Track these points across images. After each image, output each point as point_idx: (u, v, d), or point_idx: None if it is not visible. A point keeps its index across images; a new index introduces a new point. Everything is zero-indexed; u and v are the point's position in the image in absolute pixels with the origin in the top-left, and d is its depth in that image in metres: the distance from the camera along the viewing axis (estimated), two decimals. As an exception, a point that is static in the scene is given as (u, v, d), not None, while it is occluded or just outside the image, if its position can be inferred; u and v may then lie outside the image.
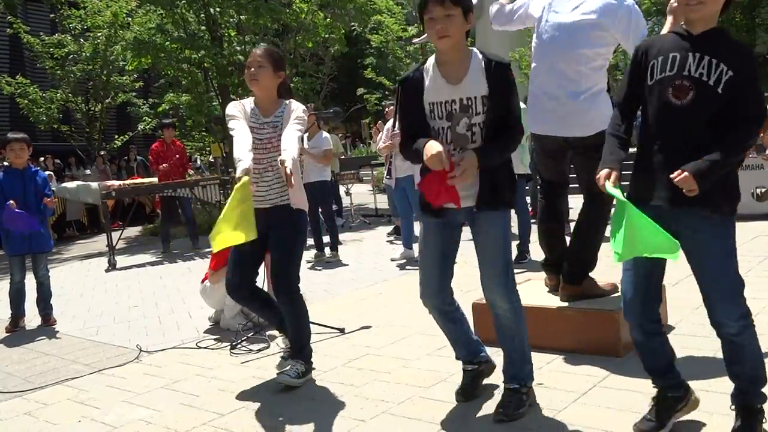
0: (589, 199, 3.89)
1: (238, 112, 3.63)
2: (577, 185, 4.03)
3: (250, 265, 3.72)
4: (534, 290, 4.10)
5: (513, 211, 6.99)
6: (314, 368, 3.74)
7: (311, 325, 4.57)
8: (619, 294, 3.74)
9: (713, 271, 2.39)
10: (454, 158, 2.77)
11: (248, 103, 3.71)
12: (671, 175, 2.26)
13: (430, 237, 3.00)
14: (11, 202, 5.44)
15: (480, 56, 2.83)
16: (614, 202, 2.48)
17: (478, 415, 2.97)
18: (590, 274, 3.87)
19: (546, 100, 3.82)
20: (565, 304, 3.76)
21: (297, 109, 3.64)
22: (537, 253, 5.19)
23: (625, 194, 2.43)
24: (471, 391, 3.15)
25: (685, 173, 2.23)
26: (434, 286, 3.01)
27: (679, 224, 2.38)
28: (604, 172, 2.48)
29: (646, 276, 2.49)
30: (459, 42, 2.80)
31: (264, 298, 3.88)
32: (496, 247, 2.89)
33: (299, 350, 3.68)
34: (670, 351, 2.61)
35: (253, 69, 3.59)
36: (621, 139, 2.55)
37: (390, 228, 9.45)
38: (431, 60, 2.91)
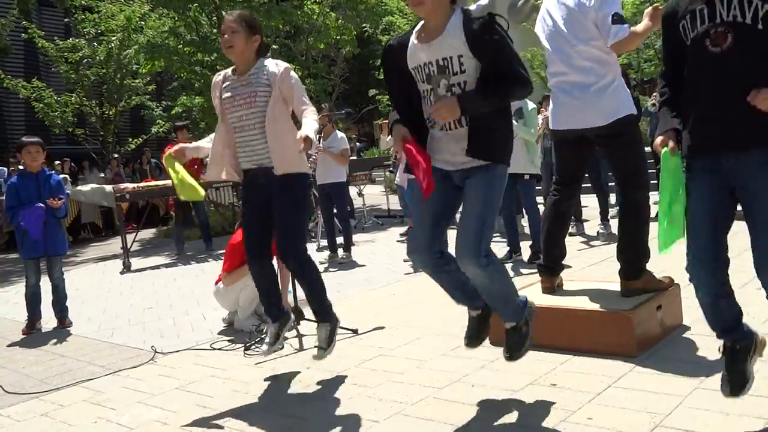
0: (623, 189, 3.92)
1: (214, 91, 3.74)
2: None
3: (260, 231, 3.73)
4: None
5: (524, 211, 7.05)
6: (338, 318, 3.79)
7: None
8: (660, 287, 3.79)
9: None
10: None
11: (227, 71, 3.77)
12: (748, 98, 2.18)
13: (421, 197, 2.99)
14: (42, 205, 5.53)
15: (461, 15, 2.81)
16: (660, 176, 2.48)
17: (492, 416, 2.96)
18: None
19: (561, 96, 3.95)
20: (577, 304, 3.74)
21: (286, 76, 3.58)
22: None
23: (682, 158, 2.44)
24: (477, 335, 3.19)
25: (763, 90, 2.15)
26: (425, 239, 2.99)
27: (737, 176, 2.31)
28: (658, 139, 2.46)
29: (714, 237, 2.39)
30: (437, 8, 2.80)
31: (273, 277, 3.87)
32: (475, 205, 2.87)
33: (320, 311, 3.74)
34: (737, 308, 2.51)
35: (226, 35, 3.60)
36: (671, 105, 2.51)
37: (403, 229, 9.44)
38: (418, 26, 2.95)
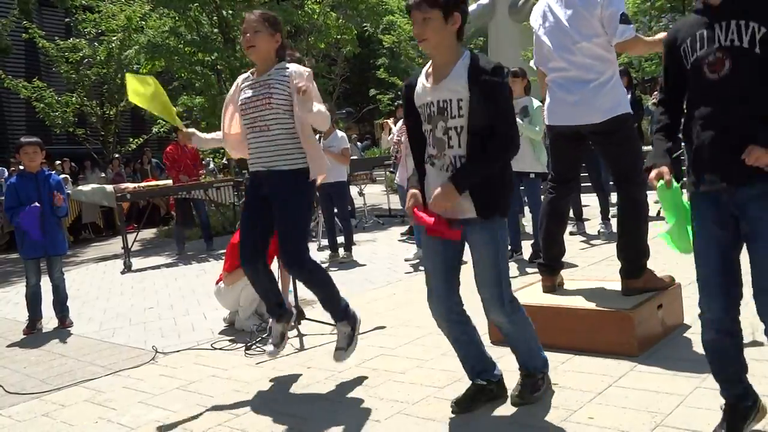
0: (620, 187, 3.93)
1: (234, 95, 3.74)
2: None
3: (258, 235, 3.64)
4: (548, 289, 4.09)
5: (527, 210, 7.04)
6: (357, 318, 3.74)
7: (324, 326, 4.60)
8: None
9: None
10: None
11: (248, 74, 3.74)
12: (745, 160, 2.13)
13: (431, 247, 2.96)
14: (37, 205, 5.53)
15: (468, 59, 2.79)
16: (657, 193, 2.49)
17: (493, 415, 2.96)
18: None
19: (558, 92, 3.98)
20: (578, 304, 3.74)
21: (300, 75, 3.52)
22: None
23: (682, 187, 2.44)
24: (468, 404, 3.02)
25: (756, 148, 2.10)
26: (442, 294, 2.97)
27: (739, 208, 2.25)
28: (653, 173, 2.43)
29: (725, 274, 2.31)
30: (440, 44, 2.79)
31: (271, 277, 3.80)
32: (486, 264, 2.86)
33: (338, 314, 3.69)
34: (743, 359, 2.42)
35: (248, 35, 3.53)
36: (665, 134, 2.48)
37: (404, 228, 9.44)
38: (428, 64, 2.95)
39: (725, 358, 2.41)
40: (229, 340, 4.75)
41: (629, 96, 7.54)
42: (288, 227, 3.55)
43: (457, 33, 2.80)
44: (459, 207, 2.84)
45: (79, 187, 12.51)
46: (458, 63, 2.79)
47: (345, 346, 3.62)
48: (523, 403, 2.99)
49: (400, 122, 7.70)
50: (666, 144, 2.47)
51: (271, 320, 3.90)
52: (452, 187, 2.75)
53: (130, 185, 12.07)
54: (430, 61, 2.92)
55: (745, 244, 2.31)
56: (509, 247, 6.54)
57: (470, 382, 3.10)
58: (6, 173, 13.28)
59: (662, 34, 3.75)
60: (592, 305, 3.68)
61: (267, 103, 3.53)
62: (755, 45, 2.18)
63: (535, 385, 3.03)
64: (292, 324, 3.98)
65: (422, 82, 2.90)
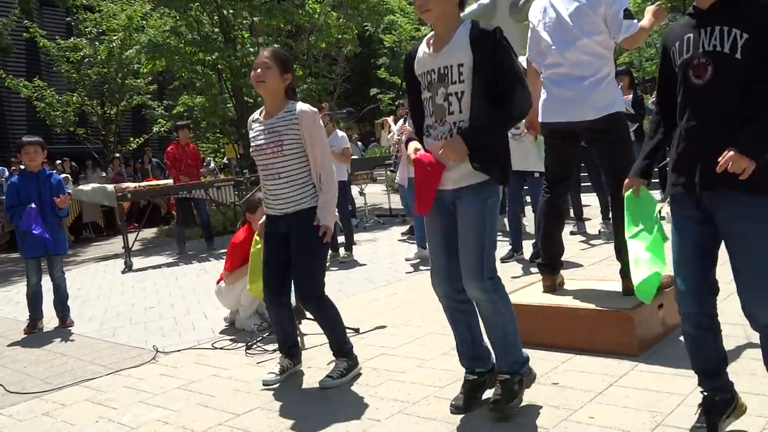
0: (614, 186, 3.92)
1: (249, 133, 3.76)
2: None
3: (281, 268, 3.66)
4: (549, 289, 4.09)
5: (529, 209, 7.00)
6: (358, 363, 3.73)
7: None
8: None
9: (750, 263, 2.24)
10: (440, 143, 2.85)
11: (257, 114, 3.76)
12: (718, 167, 2.13)
13: (431, 223, 3.01)
14: (33, 206, 5.50)
15: (469, 25, 2.83)
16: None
17: (493, 415, 2.96)
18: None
19: (553, 88, 3.99)
20: (578, 303, 3.74)
21: (312, 123, 3.56)
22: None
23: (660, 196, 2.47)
24: (468, 403, 2.99)
25: (731, 153, 2.10)
26: (442, 271, 2.98)
27: (719, 213, 2.28)
28: (626, 182, 2.54)
29: (700, 268, 2.36)
30: (443, 15, 2.84)
31: (292, 320, 3.86)
32: (470, 232, 2.83)
33: (339, 350, 3.70)
34: (722, 351, 2.44)
35: (259, 70, 3.55)
36: (653, 149, 2.54)
37: (404, 228, 9.44)
38: (430, 33, 2.99)
39: (703, 352, 2.44)
40: (230, 340, 4.75)
41: (632, 96, 7.58)
42: (305, 262, 3.57)
43: (459, 3, 2.86)
44: (451, 176, 2.86)
45: (80, 187, 12.51)
46: (459, 30, 2.84)
47: (335, 377, 3.59)
48: (498, 415, 2.88)
49: (401, 122, 7.68)
50: (646, 161, 2.55)
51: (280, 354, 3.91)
52: (461, 141, 2.76)
53: (131, 185, 12.08)
54: (432, 32, 2.96)
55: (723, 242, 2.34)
56: (510, 246, 6.55)
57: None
58: (7, 173, 13.30)
59: (652, 7, 3.76)
60: (592, 305, 3.68)
61: (279, 151, 3.55)
62: (736, 51, 2.20)
63: (511, 393, 2.88)
64: (299, 367, 3.93)
65: (423, 50, 2.95)
